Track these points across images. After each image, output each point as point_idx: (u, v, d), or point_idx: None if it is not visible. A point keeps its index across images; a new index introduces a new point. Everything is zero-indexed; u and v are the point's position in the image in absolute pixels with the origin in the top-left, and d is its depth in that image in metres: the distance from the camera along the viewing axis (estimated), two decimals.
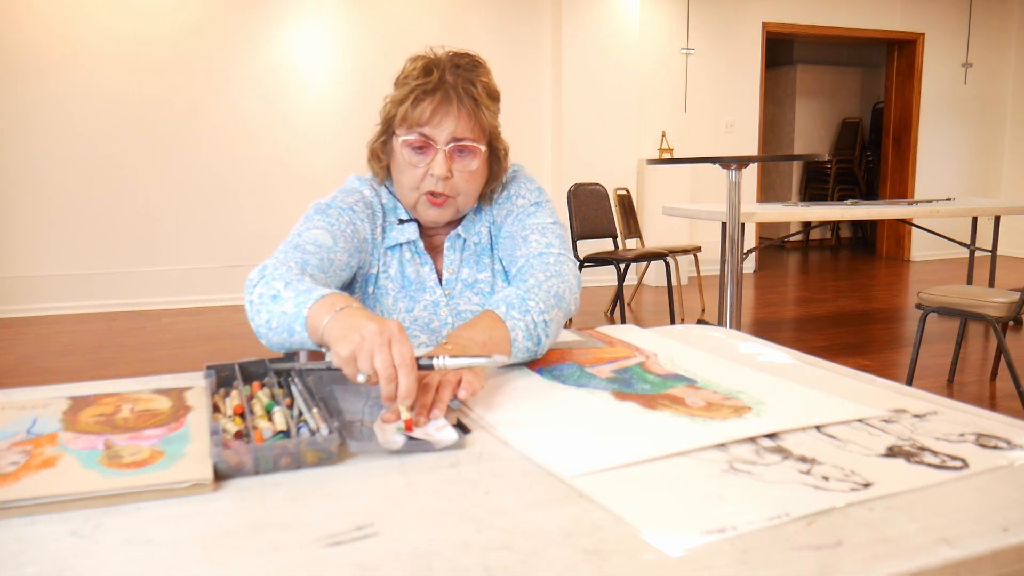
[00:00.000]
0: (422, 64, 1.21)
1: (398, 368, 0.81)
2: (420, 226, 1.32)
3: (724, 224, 3.94)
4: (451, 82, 1.19)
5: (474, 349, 0.96)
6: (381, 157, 1.29)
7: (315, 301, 0.95)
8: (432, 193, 1.23)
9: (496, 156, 1.28)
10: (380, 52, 5.58)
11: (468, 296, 1.31)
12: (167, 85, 5.29)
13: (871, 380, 0.99)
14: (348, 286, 1.29)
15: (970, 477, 0.69)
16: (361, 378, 0.83)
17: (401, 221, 1.31)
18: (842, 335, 4.54)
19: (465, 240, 1.32)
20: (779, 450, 0.76)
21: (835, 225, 9.32)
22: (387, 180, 1.32)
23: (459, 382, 0.88)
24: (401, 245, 1.30)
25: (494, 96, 1.25)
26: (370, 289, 1.29)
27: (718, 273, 4.30)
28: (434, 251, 1.33)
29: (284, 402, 0.88)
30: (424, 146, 1.20)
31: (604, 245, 4.87)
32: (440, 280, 1.31)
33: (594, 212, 4.71)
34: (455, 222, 1.33)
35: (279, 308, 1.01)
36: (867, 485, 0.67)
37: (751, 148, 6.91)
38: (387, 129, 1.26)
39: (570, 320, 4.47)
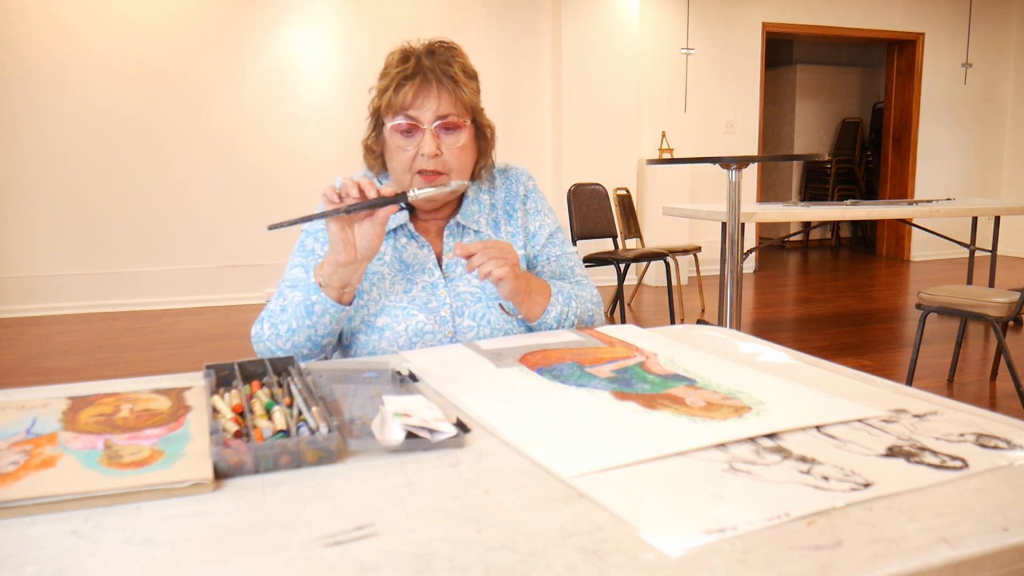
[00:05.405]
0: (399, 54, 1.29)
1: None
2: (412, 211, 1.36)
3: (724, 224, 3.94)
4: (428, 66, 1.26)
5: (521, 280, 1.24)
6: (374, 149, 1.34)
7: (312, 276, 1.20)
8: (423, 172, 1.27)
9: (482, 133, 1.33)
10: (380, 53, 5.43)
11: (468, 279, 1.34)
12: (167, 85, 5.29)
13: (871, 380, 0.99)
14: None
15: (970, 477, 0.69)
16: (338, 184, 1.12)
17: None
18: (842, 335, 4.54)
19: (464, 227, 1.37)
20: (779, 450, 0.76)
21: (835, 225, 9.31)
22: (383, 173, 1.37)
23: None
24: (395, 231, 1.34)
25: (471, 75, 1.31)
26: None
27: (718, 273, 4.30)
28: (430, 237, 1.37)
29: (284, 401, 0.88)
30: (411, 128, 1.26)
31: (604, 245, 4.87)
32: (440, 263, 1.35)
33: (594, 212, 4.71)
34: (452, 208, 1.37)
35: (292, 310, 1.20)
36: (867, 485, 0.67)
37: (751, 148, 6.91)
38: (376, 122, 1.32)
39: None
